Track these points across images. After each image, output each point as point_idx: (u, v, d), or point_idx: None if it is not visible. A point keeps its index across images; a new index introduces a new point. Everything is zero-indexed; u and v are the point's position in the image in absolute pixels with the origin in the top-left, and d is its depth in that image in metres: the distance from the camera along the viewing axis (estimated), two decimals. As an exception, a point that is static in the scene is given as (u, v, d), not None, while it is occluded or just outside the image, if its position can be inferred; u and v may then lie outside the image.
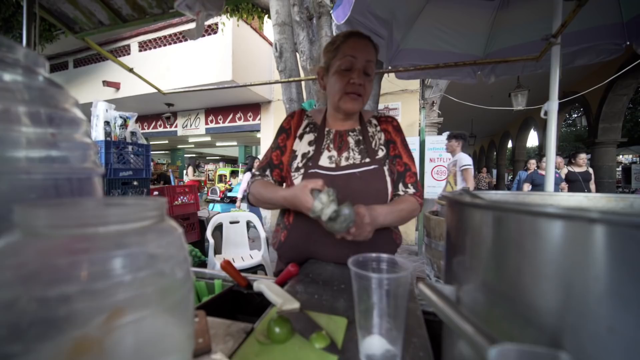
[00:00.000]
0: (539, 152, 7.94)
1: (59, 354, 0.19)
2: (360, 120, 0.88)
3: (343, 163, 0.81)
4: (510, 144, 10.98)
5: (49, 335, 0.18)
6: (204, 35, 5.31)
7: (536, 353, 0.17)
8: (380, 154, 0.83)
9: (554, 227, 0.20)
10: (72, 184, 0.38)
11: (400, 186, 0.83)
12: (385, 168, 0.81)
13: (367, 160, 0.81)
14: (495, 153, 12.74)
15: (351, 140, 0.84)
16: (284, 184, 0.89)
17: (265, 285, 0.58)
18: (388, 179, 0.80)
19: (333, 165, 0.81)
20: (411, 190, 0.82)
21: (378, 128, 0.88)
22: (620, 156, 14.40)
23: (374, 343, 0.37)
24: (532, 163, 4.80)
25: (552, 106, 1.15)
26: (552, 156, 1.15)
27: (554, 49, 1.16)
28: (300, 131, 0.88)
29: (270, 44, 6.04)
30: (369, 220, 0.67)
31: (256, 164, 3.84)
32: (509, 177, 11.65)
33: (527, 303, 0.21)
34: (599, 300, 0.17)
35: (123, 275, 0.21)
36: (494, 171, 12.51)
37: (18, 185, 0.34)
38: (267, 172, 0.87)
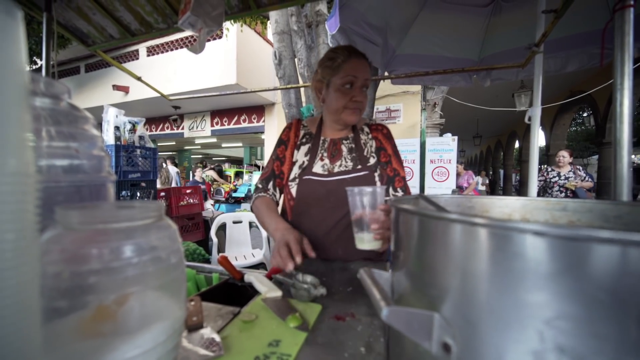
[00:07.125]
0: (547, 152, 7.82)
1: (86, 314, 0.28)
2: (353, 128, 0.94)
3: (336, 170, 0.88)
4: (517, 144, 10.80)
5: (81, 299, 0.27)
6: (209, 40, 5.44)
7: (415, 313, 0.24)
8: (372, 161, 0.90)
9: (448, 229, 0.27)
10: (90, 189, 0.47)
11: (390, 190, 0.90)
12: (376, 174, 0.88)
13: (359, 167, 0.88)
14: (502, 153, 12.55)
15: (344, 149, 0.91)
16: (282, 193, 0.94)
17: (254, 276, 0.66)
18: (378, 183, 0.88)
19: (326, 173, 0.88)
20: (400, 193, 0.89)
21: (370, 136, 0.94)
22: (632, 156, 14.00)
23: (364, 236, 0.60)
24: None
25: (536, 112, 1.20)
26: (535, 163, 1.20)
27: (537, 57, 1.21)
28: (298, 142, 0.95)
29: (274, 47, 6.13)
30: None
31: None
32: (517, 177, 11.40)
33: (432, 285, 0.29)
34: (476, 283, 0.24)
35: (131, 258, 0.29)
36: (501, 172, 12.26)
37: (50, 191, 0.42)
38: (270, 185, 0.93)
